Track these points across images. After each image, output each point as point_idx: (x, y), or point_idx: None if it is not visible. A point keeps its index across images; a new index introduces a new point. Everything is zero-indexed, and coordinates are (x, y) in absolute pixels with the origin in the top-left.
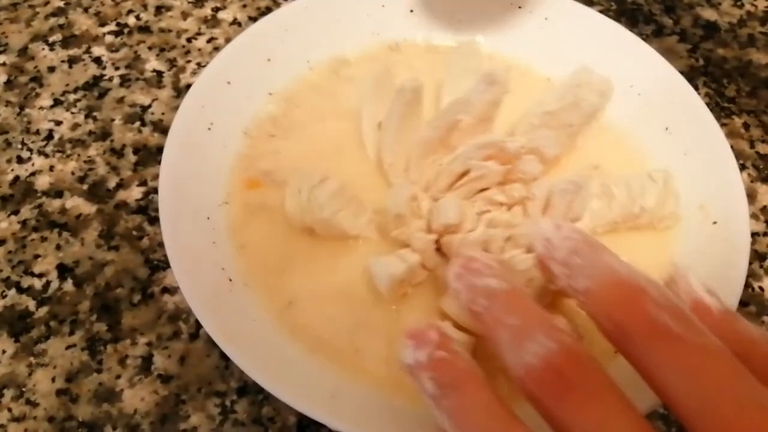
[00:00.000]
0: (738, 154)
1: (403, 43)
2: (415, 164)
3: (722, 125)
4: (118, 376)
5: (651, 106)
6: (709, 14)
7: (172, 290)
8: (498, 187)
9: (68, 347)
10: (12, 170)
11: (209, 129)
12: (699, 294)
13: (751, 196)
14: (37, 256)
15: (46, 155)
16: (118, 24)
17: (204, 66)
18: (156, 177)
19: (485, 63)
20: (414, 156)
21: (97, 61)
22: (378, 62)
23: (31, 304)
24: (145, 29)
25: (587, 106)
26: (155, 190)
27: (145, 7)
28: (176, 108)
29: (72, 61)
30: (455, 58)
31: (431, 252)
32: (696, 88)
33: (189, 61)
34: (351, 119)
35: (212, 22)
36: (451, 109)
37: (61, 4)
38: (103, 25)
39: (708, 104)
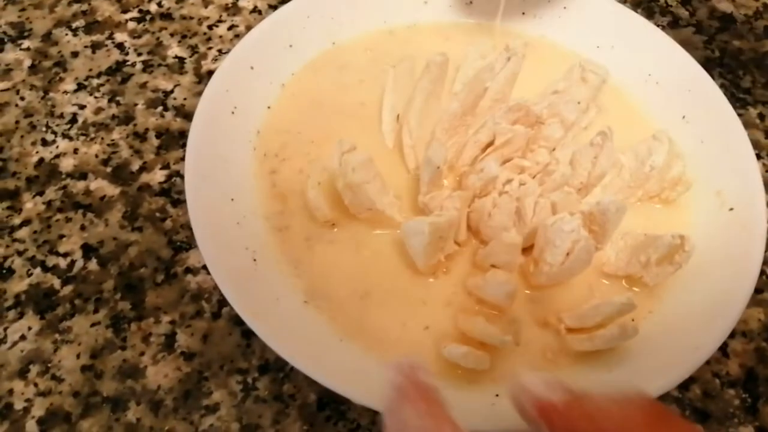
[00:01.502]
0: (753, 145)
1: (421, 26)
2: (438, 142)
3: (737, 116)
4: (142, 353)
5: (669, 94)
6: (725, 6)
7: (195, 270)
8: (522, 155)
9: (93, 325)
10: (37, 152)
11: (233, 113)
12: (539, 393)
13: (767, 186)
14: (61, 236)
15: (70, 138)
16: (140, 11)
17: (225, 53)
18: (178, 161)
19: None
20: (438, 130)
21: (120, 47)
22: (396, 47)
23: (56, 283)
24: (166, 16)
25: (594, 79)
26: (178, 174)
27: None
28: (198, 93)
29: (95, 46)
30: (472, 49)
31: (464, 216)
32: (711, 79)
33: (210, 48)
34: (370, 105)
35: (233, 9)
36: (478, 77)
37: None
38: (125, 11)
39: (723, 95)
